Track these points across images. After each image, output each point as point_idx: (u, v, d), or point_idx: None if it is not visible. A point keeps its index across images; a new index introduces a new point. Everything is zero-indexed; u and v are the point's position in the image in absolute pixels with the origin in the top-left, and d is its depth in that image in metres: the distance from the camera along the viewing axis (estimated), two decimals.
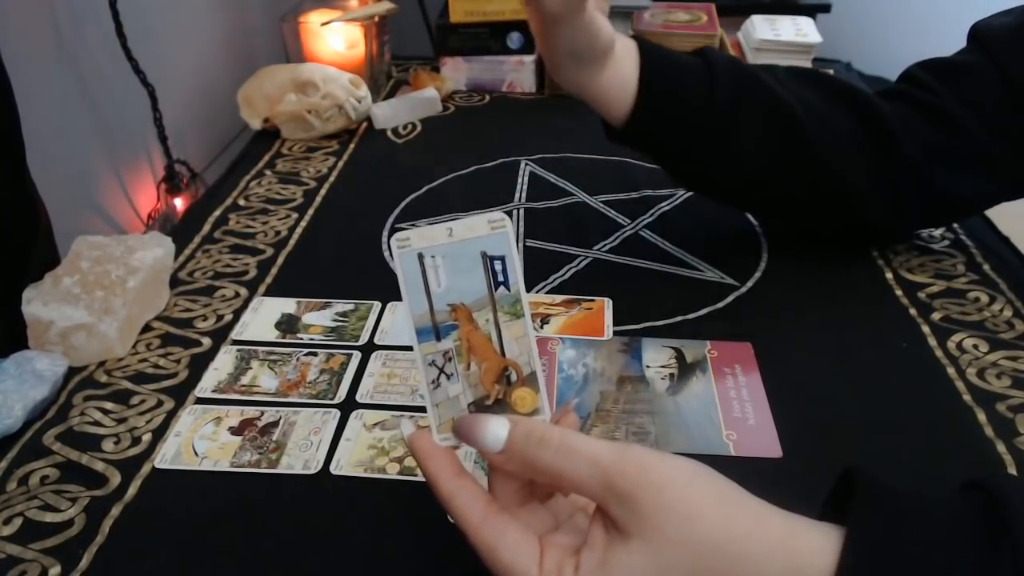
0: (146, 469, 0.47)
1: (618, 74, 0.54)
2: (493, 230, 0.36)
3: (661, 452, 0.31)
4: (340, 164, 0.83)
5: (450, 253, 0.36)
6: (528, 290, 0.62)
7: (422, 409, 0.50)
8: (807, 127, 0.56)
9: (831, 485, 0.33)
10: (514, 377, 0.36)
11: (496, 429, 0.33)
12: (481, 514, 0.33)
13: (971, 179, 0.58)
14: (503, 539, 0.32)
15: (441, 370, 0.36)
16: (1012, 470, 0.45)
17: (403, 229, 0.70)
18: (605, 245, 0.67)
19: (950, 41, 0.61)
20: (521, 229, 0.70)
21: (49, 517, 0.43)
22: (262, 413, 0.50)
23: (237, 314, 0.60)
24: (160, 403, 0.51)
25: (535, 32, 0.52)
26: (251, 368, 0.54)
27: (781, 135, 0.56)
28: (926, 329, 0.56)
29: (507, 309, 0.36)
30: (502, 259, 0.36)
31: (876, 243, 0.65)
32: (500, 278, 0.36)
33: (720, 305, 0.59)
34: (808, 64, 0.96)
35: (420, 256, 0.35)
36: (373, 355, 0.55)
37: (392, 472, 0.46)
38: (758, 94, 0.56)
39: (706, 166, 0.58)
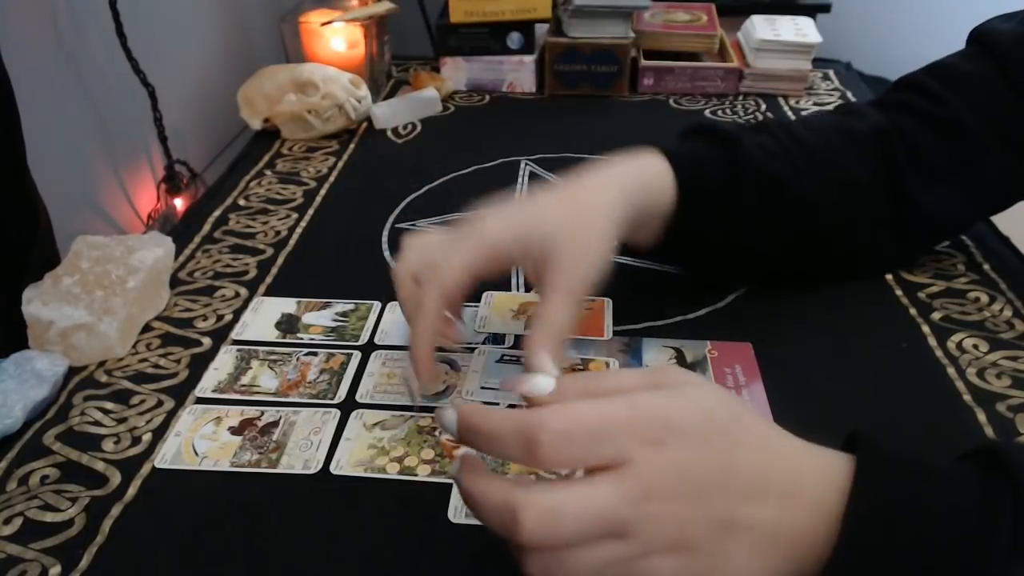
0: (146, 469, 0.47)
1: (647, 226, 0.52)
2: None
3: None
4: (340, 164, 0.83)
5: None
6: (528, 290, 0.62)
7: (422, 410, 0.50)
8: (840, 223, 0.56)
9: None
10: None
11: (543, 378, 0.34)
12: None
13: (974, 194, 0.57)
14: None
15: None
16: None
17: (403, 229, 0.71)
18: None
19: (950, 41, 0.61)
20: None
21: (49, 517, 0.43)
22: (262, 413, 0.50)
23: (237, 314, 0.60)
24: (160, 403, 0.51)
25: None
26: (251, 368, 0.54)
27: (807, 242, 0.56)
28: (926, 329, 0.56)
29: None
30: None
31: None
32: None
33: (720, 305, 0.59)
34: (808, 65, 0.96)
35: None
36: (373, 355, 0.55)
37: (392, 472, 0.46)
38: (787, 210, 0.55)
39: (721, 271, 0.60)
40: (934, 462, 0.33)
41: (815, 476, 0.32)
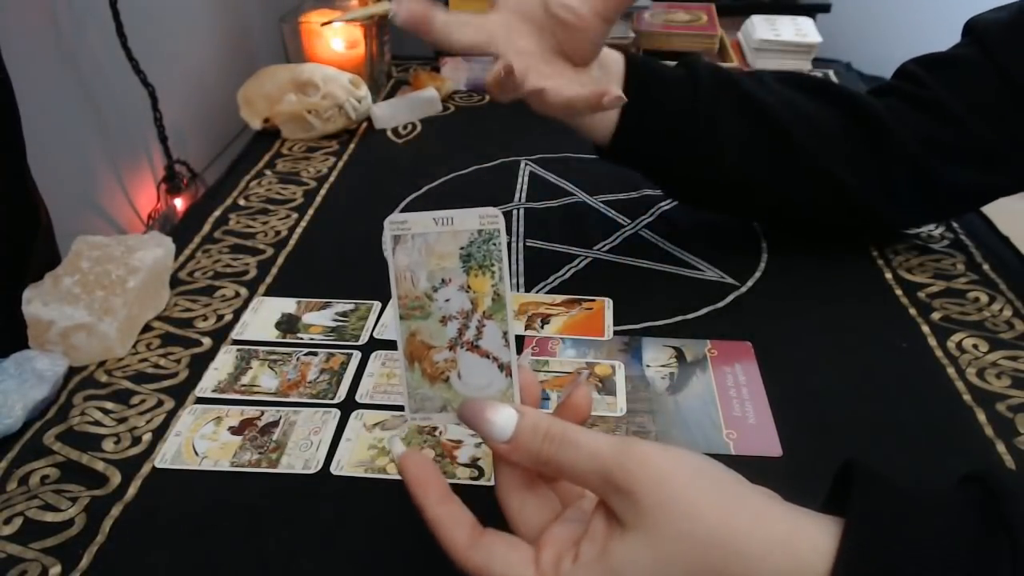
0: (146, 469, 0.47)
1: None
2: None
3: (664, 445, 0.32)
4: (340, 164, 0.83)
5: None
6: (528, 290, 0.62)
7: None
8: (792, 128, 0.57)
9: (831, 483, 0.34)
10: None
11: (505, 419, 0.33)
12: (467, 540, 0.33)
13: (969, 170, 0.58)
14: (492, 557, 0.32)
15: None
16: None
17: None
18: (605, 245, 0.67)
19: (950, 41, 0.61)
20: (521, 229, 0.70)
21: (49, 517, 0.43)
22: (262, 413, 0.50)
23: (237, 314, 0.60)
24: (160, 403, 0.51)
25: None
26: (251, 368, 0.54)
27: (766, 139, 0.58)
28: (926, 329, 0.56)
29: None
30: None
31: (880, 237, 0.66)
32: None
33: (720, 305, 0.59)
34: (808, 65, 0.97)
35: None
36: (373, 355, 0.55)
37: (392, 472, 0.46)
38: (741, 101, 0.58)
39: (694, 178, 0.60)
40: (927, 520, 0.29)
41: None
